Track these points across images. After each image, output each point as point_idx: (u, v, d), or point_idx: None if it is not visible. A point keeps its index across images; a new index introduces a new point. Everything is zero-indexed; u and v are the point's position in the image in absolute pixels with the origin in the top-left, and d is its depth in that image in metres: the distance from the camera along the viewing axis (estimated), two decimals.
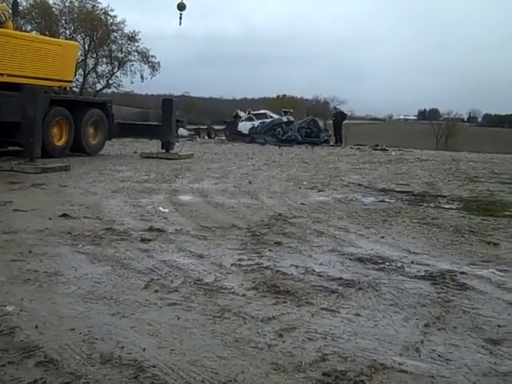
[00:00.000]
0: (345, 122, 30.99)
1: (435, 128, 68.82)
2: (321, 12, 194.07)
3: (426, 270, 4.91)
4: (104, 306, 3.76)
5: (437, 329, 3.58)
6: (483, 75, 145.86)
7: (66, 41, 26.42)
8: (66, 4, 43.55)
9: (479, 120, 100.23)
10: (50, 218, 6.57)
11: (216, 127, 37.70)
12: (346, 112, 31.80)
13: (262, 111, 35.11)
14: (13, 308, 3.62)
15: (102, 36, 44.48)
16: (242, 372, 2.91)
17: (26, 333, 3.25)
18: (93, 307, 3.73)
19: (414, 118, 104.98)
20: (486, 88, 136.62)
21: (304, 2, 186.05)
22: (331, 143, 28.36)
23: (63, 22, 44.35)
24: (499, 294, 4.36)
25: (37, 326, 3.35)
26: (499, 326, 3.66)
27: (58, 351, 3.04)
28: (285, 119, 30.90)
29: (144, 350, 3.10)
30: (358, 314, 3.78)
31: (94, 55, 45.72)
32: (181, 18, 21.53)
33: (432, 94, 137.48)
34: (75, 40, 35.74)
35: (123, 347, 3.12)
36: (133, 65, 46.06)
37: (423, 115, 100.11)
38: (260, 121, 31.10)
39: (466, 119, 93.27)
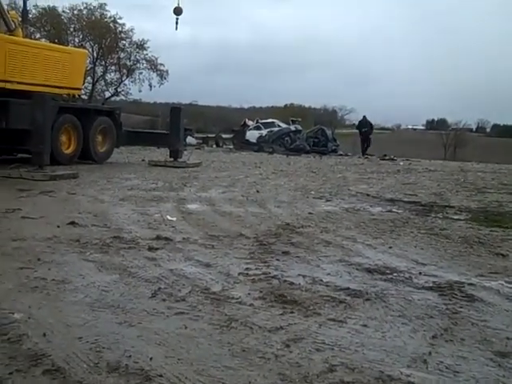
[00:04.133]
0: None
1: (443, 138, 68.67)
2: (330, 21, 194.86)
3: (433, 281, 4.89)
4: (111, 315, 3.76)
5: (445, 340, 3.57)
6: (492, 85, 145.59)
7: (75, 48, 26.55)
8: (75, 12, 43.83)
9: (488, 130, 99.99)
10: (58, 226, 6.59)
11: (224, 136, 37.78)
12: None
13: (270, 120, 35.14)
14: (20, 316, 3.63)
15: (110, 44, 44.65)
16: (249, 382, 2.90)
17: (33, 341, 3.25)
18: (100, 315, 3.73)
19: (422, 127, 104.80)
20: (495, 98, 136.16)
21: (313, 11, 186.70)
22: (340, 152, 28.37)
23: (72, 29, 44.54)
24: (508, 306, 4.34)
25: (44, 334, 3.35)
26: (508, 338, 3.64)
27: (65, 359, 3.04)
28: (293, 128, 30.91)
29: (151, 359, 3.10)
30: (366, 325, 3.77)
31: (103, 63, 45.86)
32: (177, 23, 21.53)
33: (440, 103, 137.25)
34: (84, 48, 35.87)
35: (130, 356, 3.11)
36: (141, 73, 46.18)
37: (431, 125, 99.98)
38: (268, 130, 31.13)
39: (474, 129, 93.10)
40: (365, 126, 28.94)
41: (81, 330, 3.45)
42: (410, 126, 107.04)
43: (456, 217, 8.58)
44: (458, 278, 5.06)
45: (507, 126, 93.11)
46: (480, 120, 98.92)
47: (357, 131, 31.02)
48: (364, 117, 29.51)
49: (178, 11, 21.38)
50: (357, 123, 32.11)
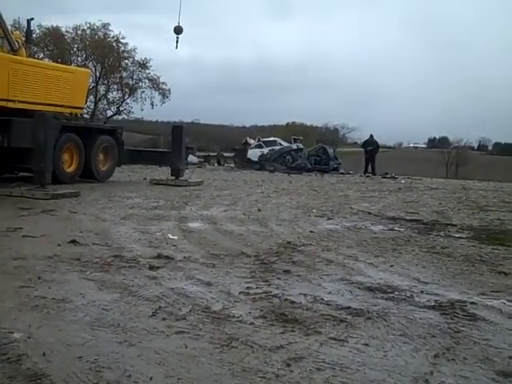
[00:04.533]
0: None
1: (445, 156, 68.72)
2: (332, 40, 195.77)
3: (435, 300, 4.87)
4: (111, 334, 3.74)
5: (446, 360, 3.55)
6: (493, 103, 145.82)
7: (78, 68, 26.68)
8: (79, 32, 44.22)
9: (489, 148, 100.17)
10: (59, 245, 6.58)
11: (226, 154, 37.88)
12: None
13: (272, 138, 35.23)
14: (20, 335, 3.61)
15: (113, 63, 44.99)
16: None
17: (33, 360, 3.24)
18: (100, 335, 3.71)
19: (424, 145, 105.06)
20: (497, 116, 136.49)
21: (315, 30, 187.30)
22: (342, 171, 28.36)
23: (75, 49, 44.97)
24: (510, 324, 4.32)
25: (44, 354, 3.33)
26: (510, 357, 3.61)
27: (64, 379, 3.02)
28: (294, 147, 30.94)
29: (151, 378, 3.08)
30: (367, 344, 3.75)
31: (105, 82, 46.23)
32: (177, 42, 21.66)
33: (442, 121, 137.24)
34: (87, 67, 36.06)
35: (130, 376, 3.10)
36: (143, 91, 46.50)
37: (433, 143, 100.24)
38: (269, 148, 31.18)
39: (476, 147, 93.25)
40: (371, 145, 28.72)
41: (81, 350, 3.44)
42: (411, 145, 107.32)
43: (458, 235, 8.56)
44: (460, 296, 5.04)
45: (509, 144, 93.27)
46: (482, 138, 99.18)
47: (358, 150, 30.94)
48: (371, 136, 29.36)
49: (178, 30, 21.51)
50: (362, 142, 31.95)
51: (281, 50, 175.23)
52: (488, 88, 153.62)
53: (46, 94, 14.51)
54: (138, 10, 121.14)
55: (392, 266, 6.25)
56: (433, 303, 4.79)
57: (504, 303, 4.88)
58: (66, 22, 71.13)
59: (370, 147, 28.62)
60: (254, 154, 31.18)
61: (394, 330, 4.06)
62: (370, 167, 28.13)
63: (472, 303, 4.82)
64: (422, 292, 5.14)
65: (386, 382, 3.17)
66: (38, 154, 11.42)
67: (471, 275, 5.93)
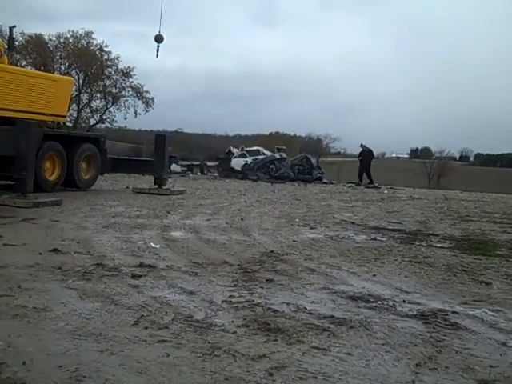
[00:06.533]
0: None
1: (427, 166, 69.12)
2: (316, 50, 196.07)
3: (417, 309, 4.89)
4: (92, 343, 3.71)
5: (428, 369, 3.55)
6: (475, 114, 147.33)
7: (61, 76, 26.58)
8: (61, 40, 43.99)
9: (471, 159, 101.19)
10: (40, 253, 6.53)
11: (209, 163, 37.88)
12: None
13: (255, 148, 35.27)
14: (0, 344, 3.57)
15: (96, 71, 44.76)
16: None
17: (12, 369, 3.20)
18: (81, 344, 3.68)
19: (407, 156, 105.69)
20: (478, 127, 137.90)
21: (299, 40, 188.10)
22: (325, 180, 28.40)
23: (58, 57, 44.69)
24: (491, 334, 4.34)
25: (24, 363, 3.30)
26: (491, 366, 3.63)
27: None
28: (277, 156, 30.97)
29: None
30: (350, 353, 3.75)
31: (89, 90, 45.95)
32: (158, 50, 21.71)
33: (424, 132, 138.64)
34: (70, 75, 35.95)
35: None
36: (127, 100, 46.29)
37: (415, 153, 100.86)
38: (253, 157, 31.24)
39: (457, 158, 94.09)
40: (361, 155, 28.56)
41: (61, 359, 3.41)
42: (394, 155, 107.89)
43: (440, 245, 8.61)
44: (442, 305, 5.06)
45: (490, 155, 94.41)
46: (463, 149, 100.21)
47: (342, 159, 30.83)
48: (361, 145, 29.19)
49: (158, 39, 21.57)
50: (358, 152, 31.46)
51: (265, 60, 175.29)
52: (470, 99, 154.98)
53: (28, 101, 14.41)
54: (123, 18, 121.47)
55: (374, 275, 6.26)
56: (415, 312, 4.80)
57: (485, 312, 4.90)
58: (49, 30, 70.88)
59: (360, 157, 28.58)
60: (237, 163, 31.22)
61: (377, 339, 4.07)
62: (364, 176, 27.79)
63: (454, 312, 4.84)
64: (404, 301, 5.15)
65: None
66: (19, 161, 11.33)
67: (453, 285, 5.96)
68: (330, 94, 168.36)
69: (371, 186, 25.74)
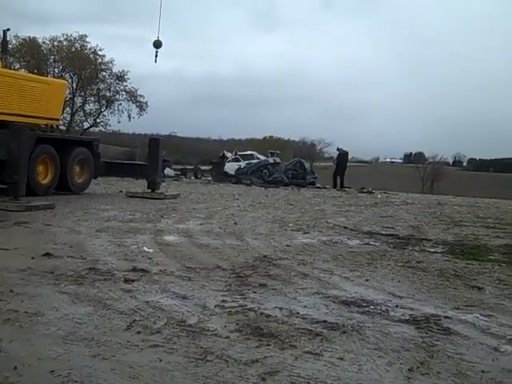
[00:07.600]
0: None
1: (421, 171, 69.35)
2: (310, 55, 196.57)
3: (410, 314, 4.89)
4: (84, 348, 3.70)
5: (421, 373, 3.56)
6: (468, 119, 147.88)
7: (54, 79, 26.49)
8: (55, 43, 43.92)
9: (464, 164, 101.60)
10: (32, 257, 6.51)
11: (202, 167, 37.87)
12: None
13: (249, 152, 35.35)
14: None
15: (90, 75, 44.70)
16: None
17: (3, 374, 3.19)
18: (73, 349, 3.67)
19: (400, 161, 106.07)
20: (471, 132, 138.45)
21: (294, 46, 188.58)
22: (318, 185, 28.40)
23: (52, 60, 44.64)
24: (483, 339, 4.34)
25: (15, 368, 3.29)
26: (483, 371, 3.64)
27: None
28: (271, 160, 31.03)
29: None
30: (342, 358, 3.75)
31: (82, 94, 45.89)
32: (156, 56, 21.77)
33: (418, 137, 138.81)
34: (63, 78, 35.83)
35: None
36: (120, 104, 46.22)
37: (409, 158, 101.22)
38: (246, 162, 31.30)
39: (451, 163, 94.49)
40: (338, 157, 28.45)
41: (53, 364, 3.39)
42: (387, 160, 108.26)
43: (433, 250, 8.62)
44: (435, 310, 5.07)
45: (483, 160, 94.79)
46: (457, 154, 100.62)
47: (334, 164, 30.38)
48: (338, 148, 29.05)
49: (157, 44, 21.61)
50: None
51: (262, 64, 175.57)
52: (464, 104, 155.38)
53: (21, 105, 14.39)
54: (120, 21, 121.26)
55: (367, 280, 6.27)
56: (407, 317, 4.81)
57: (477, 317, 4.91)
58: (42, 33, 70.77)
59: (336, 160, 28.45)
60: (231, 167, 31.26)
61: (369, 344, 4.07)
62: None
63: (446, 317, 4.85)
64: (396, 306, 5.16)
65: None
66: (12, 165, 11.30)
67: (446, 290, 5.97)
68: (325, 99, 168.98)
69: (342, 188, 26.02)
